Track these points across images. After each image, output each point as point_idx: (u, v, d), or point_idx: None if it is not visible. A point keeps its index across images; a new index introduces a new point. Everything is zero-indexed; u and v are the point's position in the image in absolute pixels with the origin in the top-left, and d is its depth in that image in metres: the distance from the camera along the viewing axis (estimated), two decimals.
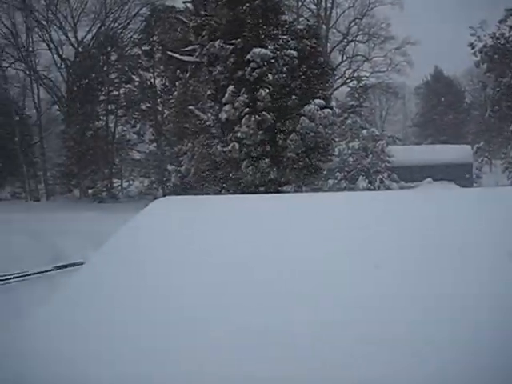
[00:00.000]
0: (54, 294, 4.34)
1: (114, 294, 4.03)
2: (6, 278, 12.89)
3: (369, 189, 35.45)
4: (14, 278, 13.18)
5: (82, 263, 7.82)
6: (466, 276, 3.53)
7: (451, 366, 2.91)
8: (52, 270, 13.15)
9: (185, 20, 28.66)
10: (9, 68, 51.01)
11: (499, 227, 3.97)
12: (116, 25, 47.34)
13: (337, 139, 32.50)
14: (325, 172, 28.41)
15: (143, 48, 44.39)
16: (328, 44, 49.04)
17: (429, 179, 40.90)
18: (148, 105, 45.02)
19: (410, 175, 39.61)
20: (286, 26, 23.99)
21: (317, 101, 22.64)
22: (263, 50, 22.17)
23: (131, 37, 46.43)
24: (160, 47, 40.33)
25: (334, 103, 30.78)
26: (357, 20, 52.27)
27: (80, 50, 47.33)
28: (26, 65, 49.71)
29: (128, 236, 4.89)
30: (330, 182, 36.86)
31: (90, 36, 47.64)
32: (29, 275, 13.65)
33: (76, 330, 3.62)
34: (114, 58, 46.13)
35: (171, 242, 4.60)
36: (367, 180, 37.46)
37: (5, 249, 21.85)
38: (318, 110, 22.39)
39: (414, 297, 3.42)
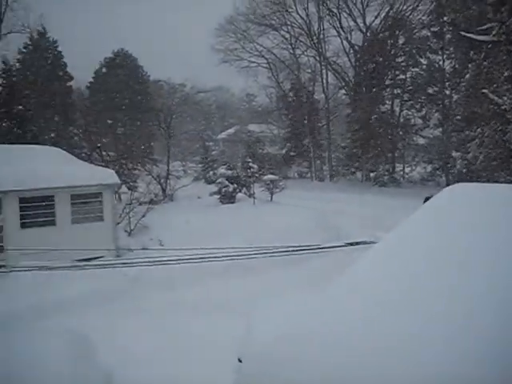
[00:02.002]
0: (349, 266, 4.48)
1: (402, 275, 3.95)
2: (299, 249, 13.79)
3: None
4: (307, 250, 14.03)
5: (373, 242, 7.90)
6: None
7: None
8: (344, 245, 13.64)
9: None
10: (301, 55, 54.48)
11: None
12: (405, 7, 46.79)
13: None
14: None
15: (432, 29, 42.92)
16: None
17: None
18: (435, 88, 43.56)
19: None
20: None
21: None
22: None
23: (420, 18, 45.35)
24: (451, 27, 38.56)
25: None
26: None
27: (368, 35, 48.05)
28: (316, 52, 52.45)
29: (422, 220, 4.73)
30: None
31: (377, 21, 48.11)
32: (321, 249, 14.41)
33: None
34: (401, 41, 45.65)
35: (468, 229, 4.30)
36: None
37: (294, 222, 23.43)
38: None
39: None
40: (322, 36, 51.41)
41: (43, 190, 19.50)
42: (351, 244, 12.91)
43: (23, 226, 19.27)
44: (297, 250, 14.20)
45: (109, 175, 21.50)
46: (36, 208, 19.57)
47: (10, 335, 11.03)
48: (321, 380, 3.87)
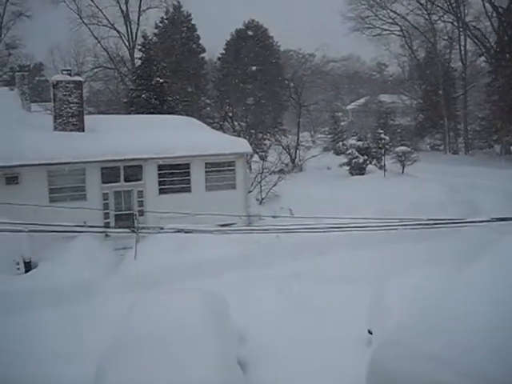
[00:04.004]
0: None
1: None
2: (434, 223, 13.27)
3: None
4: (441, 224, 13.51)
5: None
6: None
7: None
8: (490, 220, 12.95)
9: None
10: (438, 21, 51.71)
11: None
12: None
13: None
14: None
15: None
16: None
17: None
18: None
19: None
20: None
21: None
22: None
23: None
24: None
25: None
26: None
27: None
28: (454, 16, 49.52)
29: None
30: None
31: None
32: (464, 223, 13.83)
33: None
34: None
35: None
36: None
37: (426, 196, 22.62)
38: None
39: None
40: None
41: (180, 158, 20.33)
42: (500, 219, 12.15)
43: (161, 191, 20.28)
44: (430, 224, 13.63)
45: (242, 144, 21.94)
46: (173, 175, 20.48)
47: (151, 293, 11.68)
48: (457, 349, 3.69)
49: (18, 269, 16.00)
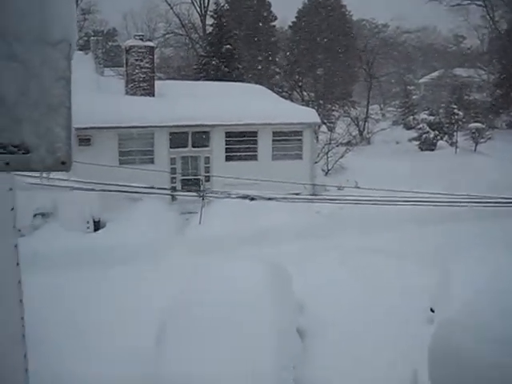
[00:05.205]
0: None
1: None
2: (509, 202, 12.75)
3: None
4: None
5: None
6: None
7: None
8: None
9: None
10: None
11: None
12: None
13: None
14: None
15: None
16: None
17: None
18: None
19: None
20: None
21: None
22: None
23: None
24: None
25: None
26: None
27: None
28: None
29: None
30: None
31: None
32: None
33: None
34: None
35: None
36: None
37: (501, 176, 21.73)
38: None
39: None
40: None
41: (248, 125, 20.32)
42: None
43: (228, 158, 20.40)
44: (502, 203, 13.07)
45: (310, 114, 21.70)
46: (240, 143, 20.53)
47: (209, 260, 11.86)
48: None
49: (88, 227, 16.59)
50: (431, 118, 31.88)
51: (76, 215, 16.35)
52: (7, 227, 3.46)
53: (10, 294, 3.59)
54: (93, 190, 12.48)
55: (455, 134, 30.50)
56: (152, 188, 13.14)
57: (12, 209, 3.49)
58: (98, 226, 16.75)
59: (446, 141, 31.55)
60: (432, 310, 11.04)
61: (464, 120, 31.49)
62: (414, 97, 50.37)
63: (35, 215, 16.15)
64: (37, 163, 1.91)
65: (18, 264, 3.77)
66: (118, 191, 13.03)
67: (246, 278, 9.50)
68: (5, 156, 1.89)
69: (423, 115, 33.00)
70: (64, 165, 1.96)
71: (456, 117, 30.88)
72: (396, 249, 14.89)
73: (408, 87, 48.65)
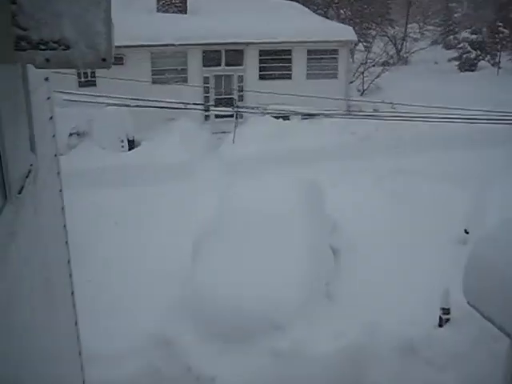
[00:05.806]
0: None
1: None
2: None
3: None
4: None
5: None
6: None
7: None
8: None
9: None
10: None
11: None
12: None
13: None
14: None
15: None
16: None
17: None
18: None
19: None
20: None
21: None
22: None
23: None
24: None
25: None
26: None
27: None
28: None
29: None
30: None
31: None
32: None
33: None
34: None
35: None
36: None
37: None
38: None
39: None
40: None
41: (282, 43, 19.79)
42: None
43: (261, 77, 20.05)
44: None
45: (346, 32, 20.96)
46: (274, 61, 20.09)
47: (243, 177, 11.92)
48: None
49: (122, 146, 16.71)
50: (473, 36, 30.55)
51: (111, 134, 16.45)
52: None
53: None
54: (128, 105, 12.50)
55: (498, 54, 29.26)
56: (187, 103, 13.11)
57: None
58: (132, 145, 16.84)
59: (488, 61, 30.36)
60: (466, 232, 10.99)
61: (509, 39, 30.12)
62: (456, 15, 48.13)
63: (71, 134, 16.30)
64: (77, 59, 1.87)
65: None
66: (152, 107, 13.02)
67: (280, 194, 9.56)
68: (45, 52, 1.85)
69: (465, 34, 31.62)
70: (104, 62, 1.91)
71: (501, 35, 29.51)
72: (432, 171, 14.69)
73: (450, 4, 46.45)
